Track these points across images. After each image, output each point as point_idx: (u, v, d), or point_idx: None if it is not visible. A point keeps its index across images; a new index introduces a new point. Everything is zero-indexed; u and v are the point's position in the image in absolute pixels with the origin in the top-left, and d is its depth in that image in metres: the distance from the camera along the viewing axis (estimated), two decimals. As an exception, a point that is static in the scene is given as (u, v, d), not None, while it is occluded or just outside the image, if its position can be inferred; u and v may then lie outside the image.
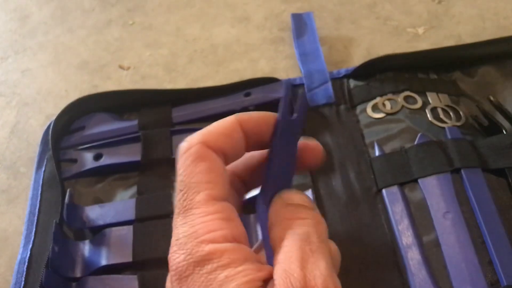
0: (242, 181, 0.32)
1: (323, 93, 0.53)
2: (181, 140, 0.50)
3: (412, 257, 0.40)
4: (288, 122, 0.30)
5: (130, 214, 0.45)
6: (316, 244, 0.25)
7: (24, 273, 0.43)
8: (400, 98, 0.50)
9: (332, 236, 0.43)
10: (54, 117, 0.52)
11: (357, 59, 0.58)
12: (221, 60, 0.61)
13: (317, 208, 0.43)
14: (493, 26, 0.60)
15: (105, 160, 0.49)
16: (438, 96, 0.51)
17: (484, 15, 0.61)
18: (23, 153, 0.54)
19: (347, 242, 0.43)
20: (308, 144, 0.31)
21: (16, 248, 0.46)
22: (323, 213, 0.44)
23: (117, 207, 0.46)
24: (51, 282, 0.40)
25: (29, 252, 0.44)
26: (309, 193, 0.43)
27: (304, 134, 0.50)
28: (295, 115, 0.30)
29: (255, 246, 0.30)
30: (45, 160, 0.51)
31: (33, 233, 0.45)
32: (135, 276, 0.41)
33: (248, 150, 0.29)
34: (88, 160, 0.49)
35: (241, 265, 0.23)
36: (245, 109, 0.52)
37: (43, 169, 0.50)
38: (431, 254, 0.40)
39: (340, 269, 0.41)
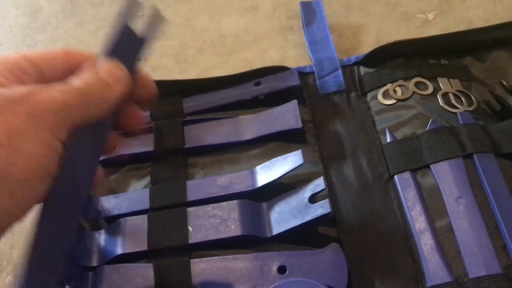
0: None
1: (334, 80, 0.53)
2: (193, 131, 0.51)
3: (425, 243, 0.41)
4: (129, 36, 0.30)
5: (145, 204, 0.45)
6: None
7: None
8: (411, 84, 0.50)
9: (345, 222, 0.44)
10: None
11: (367, 46, 0.57)
12: (230, 50, 0.61)
13: (329, 196, 0.44)
14: (504, 10, 0.59)
15: (118, 151, 0.49)
16: (449, 82, 0.51)
17: (495, -1, 0.61)
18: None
19: (359, 229, 0.43)
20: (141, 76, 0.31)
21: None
22: (336, 200, 0.45)
23: (131, 197, 0.46)
24: (68, 271, 0.41)
25: (45, 243, 0.45)
26: (321, 180, 0.43)
27: (315, 123, 0.50)
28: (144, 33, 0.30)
29: None
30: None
31: (49, 224, 0.46)
32: (151, 265, 0.42)
33: None
34: (101, 151, 0.50)
35: None
36: (255, 98, 0.52)
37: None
38: (444, 239, 0.41)
39: (353, 254, 0.41)
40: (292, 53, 0.59)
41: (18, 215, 0.23)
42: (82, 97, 0.26)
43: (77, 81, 0.26)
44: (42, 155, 0.23)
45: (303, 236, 0.43)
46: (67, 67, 0.29)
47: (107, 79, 0.27)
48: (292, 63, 0.57)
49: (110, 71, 0.28)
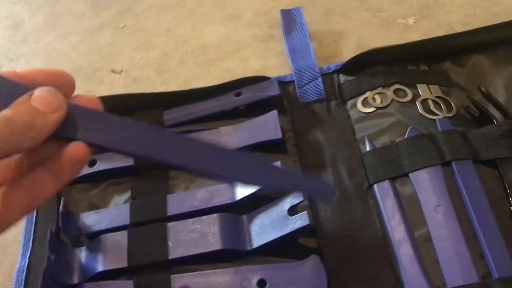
0: None
1: (314, 89, 0.53)
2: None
3: (404, 253, 0.41)
4: None
5: (125, 219, 0.45)
6: None
7: (23, 282, 0.44)
8: (390, 92, 0.50)
9: (325, 232, 0.44)
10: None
11: (347, 53, 0.57)
12: (212, 59, 0.61)
13: (310, 205, 0.44)
14: (484, 13, 0.59)
15: (99, 166, 0.49)
16: (428, 88, 0.51)
17: (475, 2, 0.61)
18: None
19: (340, 239, 0.43)
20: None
21: (15, 257, 0.46)
22: (316, 210, 0.45)
23: (111, 212, 0.46)
24: (48, 290, 0.41)
25: (27, 261, 0.45)
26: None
27: (295, 132, 0.50)
28: None
29: None
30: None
31: (31, 242, 0.46)
32: (131, 282, 0.42)
33: None
34: (82, 166, 0.50)
35: None
36: (235, 109, 0.52)
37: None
38: (423, 249, 0.41)
39: (333, 265, 0.42)
40: (274, 62, 0.59)
41: None
42: (5, 126, 0.25)
43: (5, 111, 0.26)
44: None
45: (284, 248, 0.43)
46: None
47: (38, 106, 0.27)
48: (273, 72, 0.57)
49: (43, 98, 0.27)
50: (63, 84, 0.29)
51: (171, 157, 0.29)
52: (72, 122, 0.28)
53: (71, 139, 0.28)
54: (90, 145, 0.28)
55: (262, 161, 0.30)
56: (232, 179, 0.30)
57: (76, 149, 0.28)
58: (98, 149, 0.29)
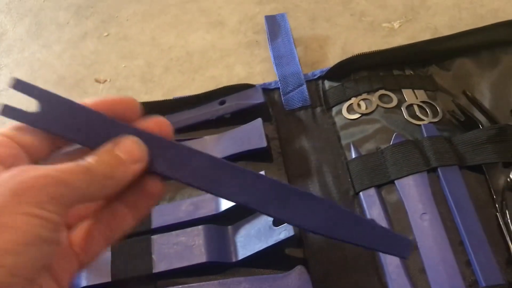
0: None
1: (299, 96, 0.52)
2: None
3: (391, 262, 0.40)
4: None
5: (109, 233, 0.45)
6: None
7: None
8: (375, 97, 0.50)
9: (311, 242, 0.43)
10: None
11: (333, 59, 0.57)
12: (197, 67, 0.60)
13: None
14: (470, 16, 0.59)
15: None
16: (414, 93, 0.51)
17: (460, 4, 0.60)
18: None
19: (326, 249, 0.43)
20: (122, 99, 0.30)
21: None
22: (302, 220, 0.44)
23: (95, 226, 0.45)
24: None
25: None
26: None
27: (280, 140, 0.50)
28: None
29: None
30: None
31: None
32: (115, 296, 0.41)
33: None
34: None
35: None
36: (220, 117, 0.52)
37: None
38: (410, 257, 0.40)
39: (319, 275, 0.41)
40: (259, 69, 0.59)
41: (21, 284, 0.23)
42: (85, 176, 0.25)
43: (89, 159, 0.27)
44: (26, 225, 0.23)
45: (269, 259, 0.42)
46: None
47: (122, 156, 0.27)
48: (258, 79, 0.57)
49: (127, 147, 0.27)
50: (128, 110, 0.29)
51: (256, 204, 0.29)
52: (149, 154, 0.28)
53: (148, 171, 0.28)
54: (165, 177, 0.28)
55: (346, 212, 0.30)
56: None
57: (154, 184, 0.29)
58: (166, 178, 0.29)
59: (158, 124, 0.30)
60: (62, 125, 0.28)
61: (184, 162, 0.29)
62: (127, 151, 0.27)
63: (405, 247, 0.29)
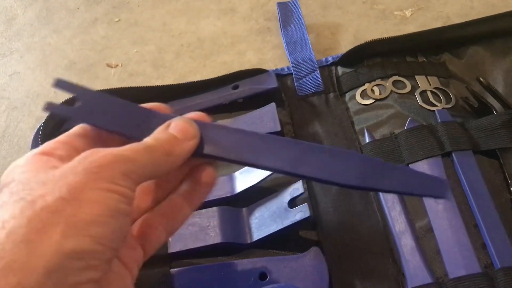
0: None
1: (312, 82, 0.52)
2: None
3: (405, 244, 0.40)
4: None
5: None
6: None
7: None
8: (388, 83, 0.50)
9: (326, 224, 0.43)
10: (43, 120, 0.52)
11: (345, 46, 0.57)
12: (208, 53, 0.60)
13: (310, 198, 0.43)
14: (481, 4, 0.59)
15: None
16: (427, 79, 0.51)
17: (472, -7, 0.61)
18: (15, 157, 0.54)
19: (340, 231, 0.43)
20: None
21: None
22: (316, 203, 0.44)
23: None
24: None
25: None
26: (299, 184, 0.42)
27: (294, 125, 0.50)
28: None
29: None
30: (36, 164, 0.50)
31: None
32: (130, 276, 0.41)
33: None
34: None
35: None
36: (233, 102, 0.52)
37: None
38: (424, 239, 0.40)
39: (334, 257, 0.41)
40: (271, 55, 0.59)
41: (106, 252, 0.25)
42: (147, 153, 0.28)
43: (148, 139, 0.29)
44: (105, 199, 0.25)
45: (284, 240, 0.43)
46: None
47: (176, 134, 0.30)
48: (270, 65, 0.57)
49: (180, 127, 0.30)
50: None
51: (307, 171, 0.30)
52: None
53: (199, 155, 0.30)
54: (210, 158, 0.31)
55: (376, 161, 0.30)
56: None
57: (207, 173, 0.31)
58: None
59: (197, 116, 0.33)
60: (105, 118, 0.30)
61: (224, 141, 0.30)
62: (181, 130, 0.30)
63: (441, 188, 0.29)
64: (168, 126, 0.30)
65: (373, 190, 0.29)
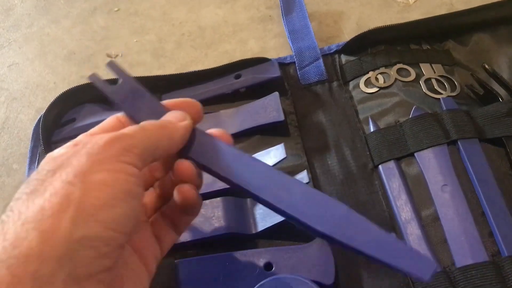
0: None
1: (315, 70, 0.52)
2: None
3: (412, 232, 0.40)
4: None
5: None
6: None
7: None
8: (392, 71, 0.49)
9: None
10: (43, 111, 0.51)
11: (348, 34, 0.57)
12: (209, 42, 0.60)
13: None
14: (485, -9, 0.58)
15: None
16: (431, 67, 0.50)
17: (476, -20, 0.60)
18: (15, 149, 0.54)
19: (345, 220, 0.42)
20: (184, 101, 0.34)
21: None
22: (321, 193, 0.44)
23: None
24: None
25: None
26: (304, 174, 0.42)
27: (297, 114, 0.50)
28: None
29: None
30: (38, 155, 0.50)
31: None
32: (134, 267, 0.41)
33: None
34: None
35: None
36: (236, 91, 0.51)
37: (36, 164, 0.49)
38: (431, 228, 0.40)
39: (338, 249, 0.41)
40: (273, 44, 0.58)
41: (118, 238, 0.25)
42: (142, 130, 0.29)
43: (152, 121, 0.30)
44: (113, 180, 0.25)
45: (289, 231, 0.42)
46: None
47: (170, 119, 0.31)
48: (272, 54, 0.56)
49: (172, 114, 0.32)
50: (191, 110, 0.33)
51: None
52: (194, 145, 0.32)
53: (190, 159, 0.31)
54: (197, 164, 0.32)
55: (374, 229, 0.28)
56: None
57: (180, 166, 0.31)
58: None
59: (220, 134, 0.34)
60: (129, 103, 0.32)
61: (212, 155, 0.32)
62: (173, 116, 0.32)
63: (427, 268, 0.26)
64: (161, 116, 0.32)
65: (350, 250, 0.28)
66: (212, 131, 0.33)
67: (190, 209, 0.33)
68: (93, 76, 0.33)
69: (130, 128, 0.29)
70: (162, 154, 0.30)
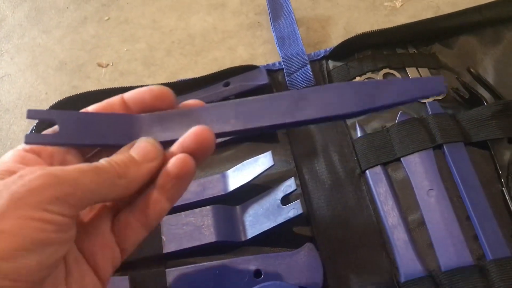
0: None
1: (303, 76, 0.52)
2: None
3: (398, 237, 0.41)
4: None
5: (117, 215, 0.45)
6: None
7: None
8: (379, 76, 0.50)
9: (319, 220, 0.44)
10: (36, 122, 0.52)
11: (335, 39, 0.57)
12: (199, 50, 0.60)
13: (303, 193, 0.43)
14: (472, -7, 0.59)
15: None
16: (418, 71, 0.51)
17: (462, -18, 0.60)
18: (8, 160, 0.54)
19: (333, 226, 0.43)
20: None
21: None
22: (309, 198, 0.45)
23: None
24: None
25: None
26: (291, 181, 0.43)
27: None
28: None
29: None
30: (30, 167, 0.51)
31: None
32: (126, 277, 0.41)
33: None
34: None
35: None
36: (225, 99, 0.52)
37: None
38: (417, 233, 0.41)
39: (327, 252, 0.42)
40: (262, 50, 0.59)
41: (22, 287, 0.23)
42: (94, 174, 0.25)
43: (101, 160, 0.27)
44: (22, 229, 0.23)
45: (278, 237, 0.43)
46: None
47: (135, 156, 0.28)
48: (261, 60, 0.57)
49: (141, 148, 0.28)
50: (166, 97, 0.31)
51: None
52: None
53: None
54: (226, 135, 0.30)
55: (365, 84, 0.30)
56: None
57: (175, 163, 0.28)
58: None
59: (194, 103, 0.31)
60: (86, 135, 0.29)
61: (223, 117, 0.30)
62: (141, 151, 0.28)
63: (437, 85, 0.29)
64: (130, 146, 0.29)
65: (375, 110, 0.29)
66: (188, 102, 0.32)
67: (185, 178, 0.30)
68: (28, 136, 0.28)
69: (79, 169, 0.25)
70: (113, 199, 0.28)
